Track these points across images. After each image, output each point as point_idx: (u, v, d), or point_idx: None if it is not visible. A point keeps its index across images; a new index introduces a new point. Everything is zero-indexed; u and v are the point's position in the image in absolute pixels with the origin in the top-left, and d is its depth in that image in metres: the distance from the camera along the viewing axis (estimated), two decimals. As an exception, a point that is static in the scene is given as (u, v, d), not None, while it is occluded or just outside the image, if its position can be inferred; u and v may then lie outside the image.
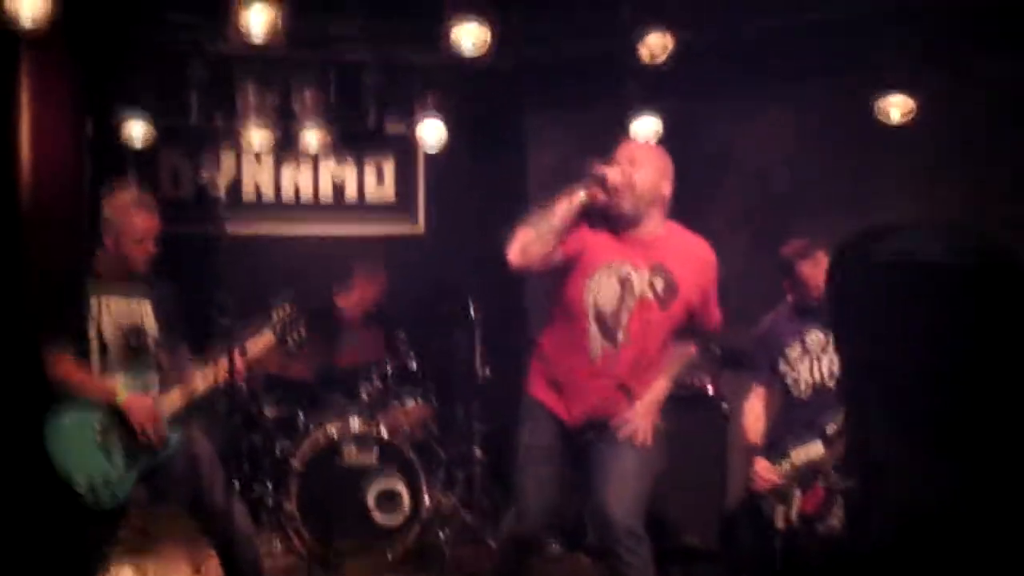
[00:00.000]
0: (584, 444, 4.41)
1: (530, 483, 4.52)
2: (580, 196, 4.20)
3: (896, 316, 1.21)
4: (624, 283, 4.27)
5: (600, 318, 4.27)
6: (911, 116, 6.12)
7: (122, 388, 4.50)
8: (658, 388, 4.36)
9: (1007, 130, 5.98)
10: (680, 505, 6.15)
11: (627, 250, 4.29)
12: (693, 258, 4.34)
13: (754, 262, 5.96)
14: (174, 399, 4.56)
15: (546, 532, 4.71)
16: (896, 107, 6.15)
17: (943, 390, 1.18)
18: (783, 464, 4.93)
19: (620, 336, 4.25)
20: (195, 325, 4.77)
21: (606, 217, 4.31)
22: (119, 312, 4.58)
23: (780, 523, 4.97)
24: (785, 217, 6.65)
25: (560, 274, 4.36)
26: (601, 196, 4.21)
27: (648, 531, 4.40)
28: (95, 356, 4.52)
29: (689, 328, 4.42)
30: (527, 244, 4.22)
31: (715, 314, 4.46)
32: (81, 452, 4.46)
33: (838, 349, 1.33)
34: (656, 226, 4.33)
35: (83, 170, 6.43)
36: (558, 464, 4.48)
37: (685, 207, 5.20)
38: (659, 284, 4.26)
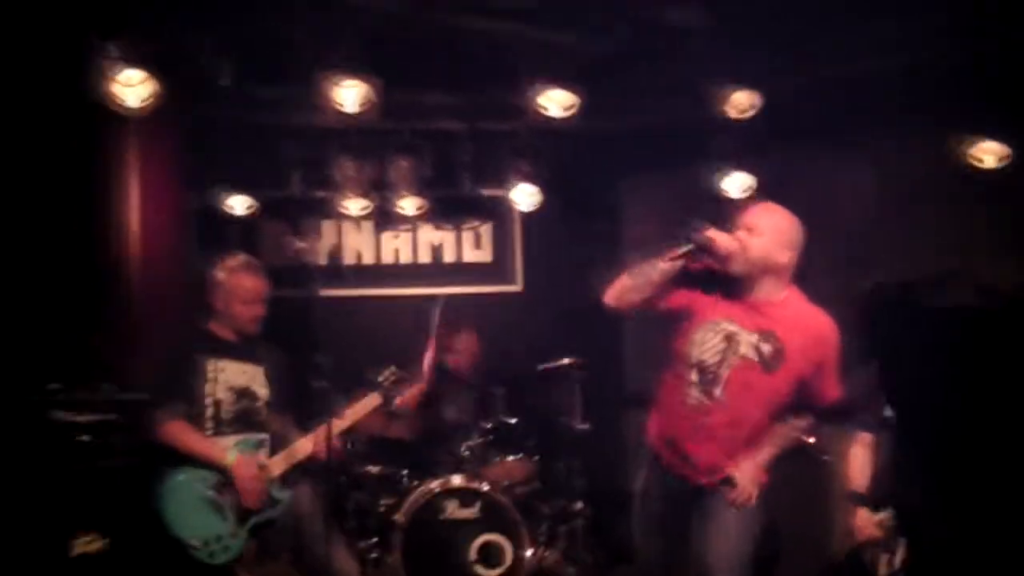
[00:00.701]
0: (691, 498, 4.42)
1: (642, 531, 4.60)
2: (681, 254, 4.19)
3: (938, 360, 1.29)
4: (730, 340, 4.26)
5: (701, 369, 4.28)
6: (1007, 162, 6.04)
7: (231, 450, 4.68)
8: (764, 453, 4.34)
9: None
10: (784, 560, 6.13)
11: (737, 312, 4.28)
12: (808, 330, 4.25)
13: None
14: (281, 461, 4.73)
15: None
16: (990, 154, 6.09)
17: (981, 431, 1.25)
18: (884, 513, 4.88)
19: (718, 392, 4.25)
20: (302, 390, 4.89)
21: (718, 278, 4.30)
22: (233, 375, 4.79)
23: (883, 572, 4.90)
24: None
25: (673, 329, 4.41)
26: (706, 259, 4.23)
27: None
28: (208, 419, 4.72)
29: (802, 402, 4.37)
30: (623, 290, 4.31)
31: (832, 389, 4.37)
32: (195, 510, 4.64)
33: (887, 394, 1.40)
34: (772, 293, 4.28)
35: (188, 242, 6.69)
36: (670, 513, 4.49)
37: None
38: (766, 349, 4.23)
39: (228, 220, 7.31)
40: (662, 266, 4.21)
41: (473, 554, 6.18)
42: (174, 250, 6.48)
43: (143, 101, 5.30)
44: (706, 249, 4.18)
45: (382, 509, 6.61)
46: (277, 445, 4.79)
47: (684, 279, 4.33)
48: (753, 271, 4.23)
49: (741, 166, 6.84)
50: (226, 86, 6.03)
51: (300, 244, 4.60)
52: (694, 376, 4.29)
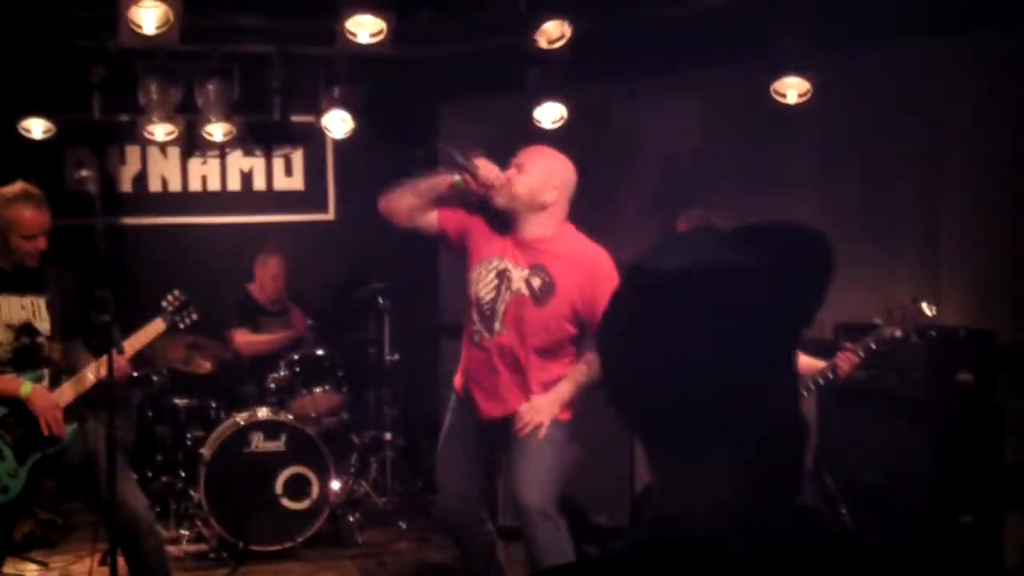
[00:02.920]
0: (496, 432, 4.58)
1: (443, 469, 4.76)
2: (451, 177, 4.38)
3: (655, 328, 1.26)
4: (502, 276, 4.45)
5: (479, 307, 4.48)
6: (807, 98, 6.22)
7: (25, 382, 4.49)
8: (560, 390, 4.45)
9: (896, 115, 6.12)
10: (591, 484, 6.26)
11: (510, 248, 4.46)
12: (579, 262, 4.42)
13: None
14: (67, 392, 4.57)
15: (471, 516, 4.82)
16: (793, 88, 6.25)
17: (689, 396, 1.24)
18: None
19: (497, 326, 4.44)
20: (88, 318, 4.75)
21: (491, 215, 4.48)
22: (12, 311, 4.55)
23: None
24: (693, 203, 6.75)
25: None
26: (473, 185, 4.37)
27: (563, 513, 4.56)
28: None
29: (584, 329, 4.50)
30: (393, 196, 4.51)
31: None
32: None
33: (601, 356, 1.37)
34: (542, 229, 4.45)
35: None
36: (473, 450, 4.67)
37: (598, 193, 5.26)
38: (536, 283, 4.41)
39: (25, 145, 6.97)
40: (432, 179, 4.42)
41: (280, 487, 6.15)
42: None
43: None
44: (469, 174, 4.34)
45: (189, 443, 6.53)
46: (59, 377, 4.60)
47: (459, 208, 4.53)
48: (518, 207, 4.41)
49: (554, 97, 6.83)
50: (29, 4, 5.73)
51: (83, 172, 4.34)
52: (475, 314, 4.50)
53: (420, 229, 4.53)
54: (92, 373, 4.55)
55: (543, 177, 4.41)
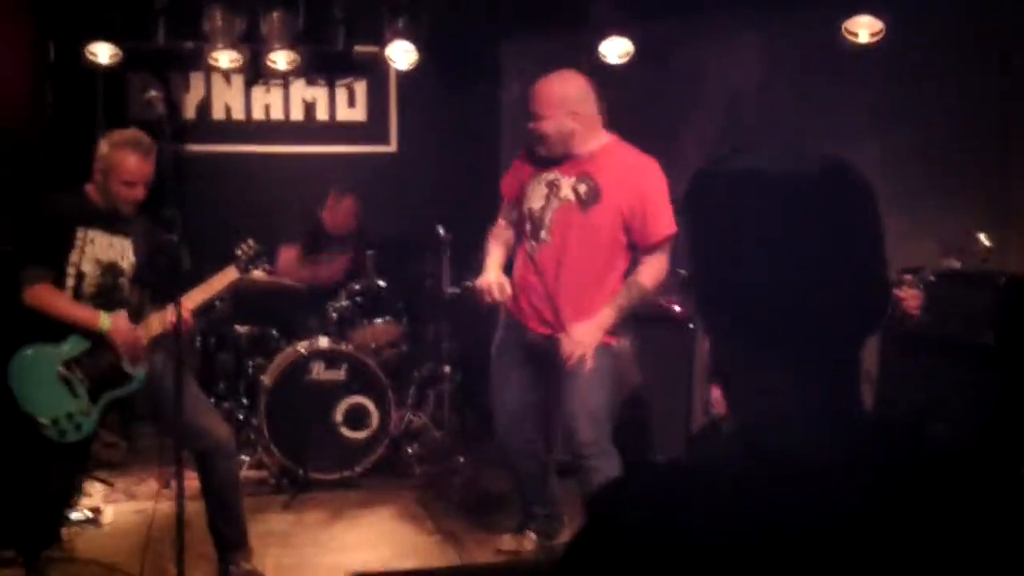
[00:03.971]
0: (543, 353, 4.66)
1: (494, 386, 4.92)
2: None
3: (746, 229, 1.27)
4: (551, 186, 4.60)
5: (531, 217, 4.63)
6: (879, 37, 6.09)
7: (103, 315, 4.52)
8: (601, 315, 4.51)
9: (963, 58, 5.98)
10: (647, 424, 6.27)
11: (559, 165, 4.63)
12: (625, 168, 4.57)
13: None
14: (152, 326, 4.58)
15: (520, 435, 4.89)
16: (865, 27, 6.13)
17: (787, 300, 1.24)
18: None
19: (543, 234, 4.57)
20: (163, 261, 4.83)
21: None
22: (101, 248, 4.58)
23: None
24: (756, 143, 6.67)
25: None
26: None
27: (619, 446, 4.60)
28: (68, 289, 4.53)
29: (633, 240, 4.58)
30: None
31: (658, 226, 4.55)
32: (44, 386, 4.50)
33: (690, 265, 1.38)
34: (587, 145, 4.61)
35: (45, 95, 6.40)
36: (521, 366, 4.81)
37: (660, 134, 5.20)
38: (582, 188, 4.55)
39: (90, 71, 7.00)
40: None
41: (339, 416, 6.21)
42: (30, 102, 6.20)
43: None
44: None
45: (250, 370, 6.59)
46: (136, 319, 4.64)
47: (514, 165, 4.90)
48: (557, 148, 4.60)
49: (620, 31, 6.75)
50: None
51: (152, 93, 4.30)
52: (528, 226, 4.64)
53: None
54: (164, 316, 4.57)
55: (557, 109, 4.52)
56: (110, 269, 4.61)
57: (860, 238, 1.26)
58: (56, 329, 4.51)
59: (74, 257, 4.53)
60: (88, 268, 4.56)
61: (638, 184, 4.51)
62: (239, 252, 4.90)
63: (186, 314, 4.42)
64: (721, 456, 1.29)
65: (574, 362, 4.45)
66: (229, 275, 4.83)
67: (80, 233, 4.54)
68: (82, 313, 4.51)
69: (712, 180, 1.33)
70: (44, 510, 4.83)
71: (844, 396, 1.26)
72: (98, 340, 4.54)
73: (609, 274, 4.57)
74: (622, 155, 4.62)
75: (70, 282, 4.54)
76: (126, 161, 4.50)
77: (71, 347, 4.54)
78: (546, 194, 4.59)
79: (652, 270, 4.56)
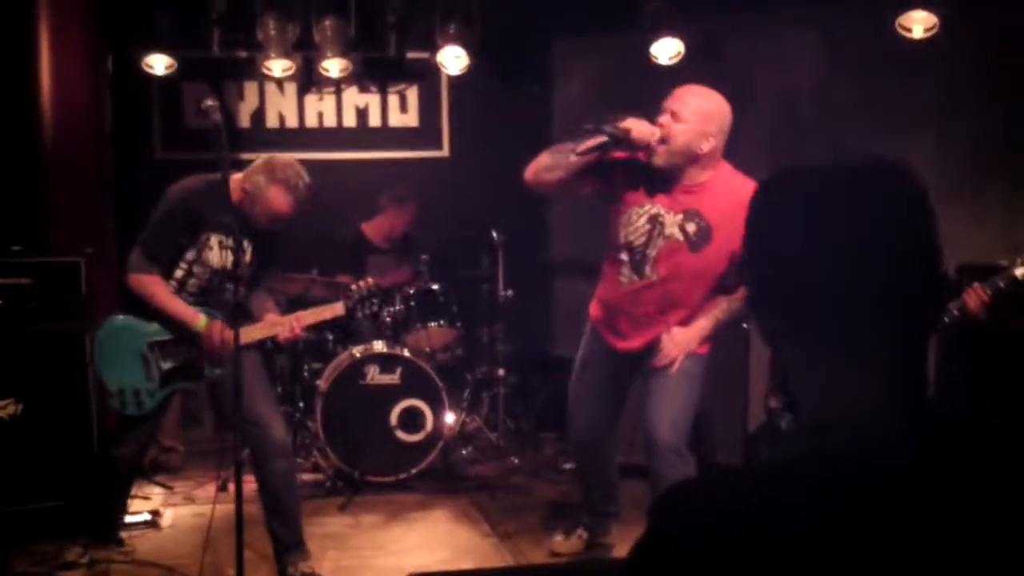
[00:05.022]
0: (630, 362, 4.64)
1: (574, 400, 4.87)
2: (595, 146, 4.21)
3: (807, 232, 1.28)
4: (654, 221, 4.36)
5: (630, 251, 4.43)
6: (933, 32, 6.03)
7: (202, 315, 4.60)
8: (700, 325, 4.43)
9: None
10: (705, 424, 6.25)
11: (662, 195, 4.36)
12: (734, 204, 4.10)
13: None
14: (250, 334, 4.59)
15: (598, 451, 4.90)
16: (919, 23, 6.07)
17: (849, 301, 1.24)
18: None
19: (647, 270, 4.41)
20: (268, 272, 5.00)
21: (642, 166, 4.35)
22: (218, 251, 4.65)
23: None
24: (809, 142, 6.62)
25: (610, 212, 4.53)
26: (628, 153, 4.29)
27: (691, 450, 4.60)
28: (173, 280, 4.62)
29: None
30: (540, 168, 4.39)
31: None
32: (123, 356, 4.63)
33: (748, 272, 1.39)
34: (697, 176, 4.32)
35: (104, 106, 6.50)
36: (605, 382, 4.76)
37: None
38: (691, 228, 4.32)
39: (148, 81, 7.12)
40: (574, 158, 4.26)
41: (394, 419, 6.24)
42: (90, 111, 6.30)
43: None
44: (623, 140, 4.20)
45: (307, 374, 6.65)
46: (230, 322, 4.67)
47: (607, 166, 4.38)
48: (675, 161, 4.27)
49: (671, 32, 6.73)
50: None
51: (208, 101, 4.32)
52: (624, 257, 4.45)
53: (569, 194, 4.55)
54: (259, 331, 4.65)
55: (700, 125, 4.22)
56: (219, 272, 4.68)
57: (918, 237, 1.26)
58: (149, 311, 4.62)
59: (190, 255, 4.62)
60: (199, 269, 4.65)
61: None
62: (353, 289, 4.98)
63: (299, 330, 4.70)
64: (789, 458, 1.28)
65: (667, 362, 4.41)
66: (335, 309, 4.94)
67: (204, 236, 4.61)
68: (181, 310, 4.59)
69: (773, 186, 1.34)
70: (103, 508, 4.94)
71: (910, 393, 1.26)
72: (188, 334, 4.63)
73: (707, 300, 4.48)
74: (729, 187, 4.26)
75: (178, 274, 4.64)
76: (276, 200, 4.57)
77: (161, 328, 4.65)
78: (648, 230, 4.37)
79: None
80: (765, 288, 1.33)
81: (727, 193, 4.24)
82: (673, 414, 4.47)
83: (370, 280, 5.08)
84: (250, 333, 4.58)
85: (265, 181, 4.56)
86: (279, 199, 4.56)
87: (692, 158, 4.26)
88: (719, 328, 4.48)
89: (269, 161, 4.66)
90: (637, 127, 4.19)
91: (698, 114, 4.23)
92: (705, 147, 4.24)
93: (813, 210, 1.27)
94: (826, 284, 1.24)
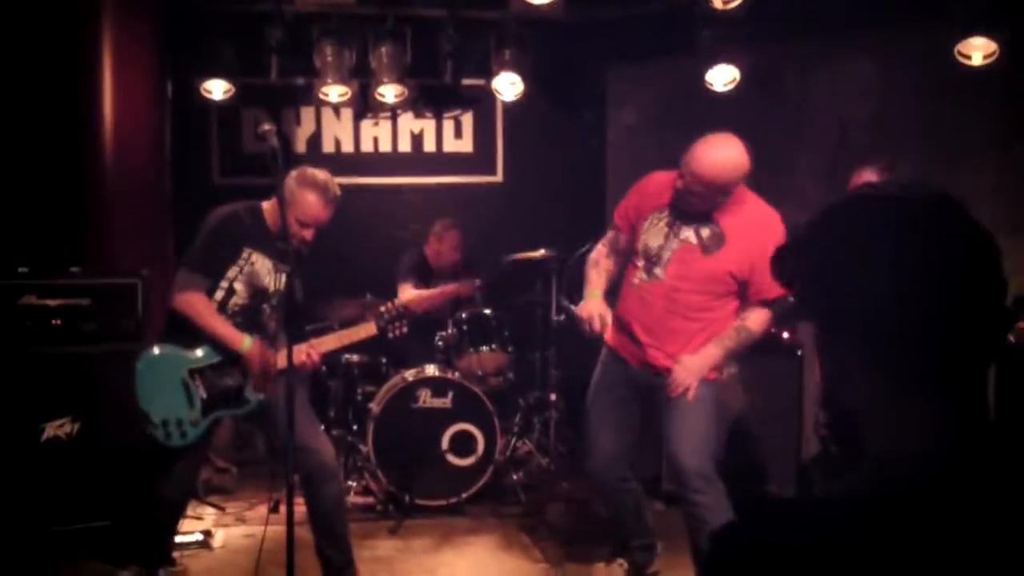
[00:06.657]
0: (645, 389, 4.65)
1: (590, 424, 4.88)
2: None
3: (859, 252, 1.28)
4: (671, 225, 4.52)
5: (647, 253, 4.57)
6: (993, 59, 5.96)
7: (246, 337, 4.62)
8: (708, 353, 4.48)
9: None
10: (758, 453, 6.20)
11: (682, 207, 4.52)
12: (751, 222, 4.44)
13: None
14: (283, 360, 4.63)
15: (614, 475, 4.88)
16: (979, 50, 6.00)
17: (914, 333, 1.24)
18: None
19: (658, 270, 4.52)
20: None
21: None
22: (259, 271, 4.69)
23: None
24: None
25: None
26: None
27: (727, 476, 4.57)
28: (215, 301, 4.64)
29: (747, 293, 4.50)
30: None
31: (775, 286, 4.41)
32: (164, 387, 4.62)
33: (805, 297, 1.38)
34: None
35: (164, 131, 6.61)
36: (621, 405, 4.77)
37: (770, 159, 5.15)
38: (706, 233, 4.47)
39: (206, 106, 7.23)
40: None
41: (446, 443, 6.25)
42: (151, 136, 6.41)
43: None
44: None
45: (359, 398, 6.69)
46: (269, 345, 4.72)
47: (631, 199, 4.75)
48: (700, 207, 4.46)
49: (726, 58, 6.72)
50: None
51: (266, 126, 4.36)
52: (641, 260, 4.59)
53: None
54: (302, 352, 4.63)
55: (717, 194, 4.40)
56: (260, 293, 4.72)
57: (989, 272, 1.28)
58: (192, 336, 4.63)
59: (232, 273, 4.65)
60: (240, 287, 4.68)
61: (762, 240, 4.31)
62: (383, 309, 5.01)
63: (317, 357, 4.64)
64: (855, 490, 1.28)
65: (679, 392, 4.44)
66: (367, 329, 4.98)
67: (246, 253, 4.65)
68: (227, 331, 4.61)
69: (836, 213, 1.34)
70: (155, 537, 4.96)
71: (976, 424, 1.27)
72: (230, 358, 4.65)
73: (715, 317, 4.52)
74: (749, 207, 4.47)
75: (219, 295, 4.66)
76: (306, 201, 4.61)
77: (202, 358, 4.66)
78: (666, 233, 4.52)
79: (761, 317, 4.48)
80: (842, 319, 1.32)
81: (745, 210, 4.47)
82: (694, 440, 4.52)
83: (398, 301, 5.12)
84: (283, 358, 4.60)
85: (296, 185, 4.63)
86: (310, 199, 4.61)
87: (716, 205, 4.45)
88: (729, 356, 4.55)
89: (300, 169, 4.73)
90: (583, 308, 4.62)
91: (713, 186, 4.36)
92: (723, 198, 4.42)
93: (888, 241, 1.27)
94: (906, 317, 1.24)
